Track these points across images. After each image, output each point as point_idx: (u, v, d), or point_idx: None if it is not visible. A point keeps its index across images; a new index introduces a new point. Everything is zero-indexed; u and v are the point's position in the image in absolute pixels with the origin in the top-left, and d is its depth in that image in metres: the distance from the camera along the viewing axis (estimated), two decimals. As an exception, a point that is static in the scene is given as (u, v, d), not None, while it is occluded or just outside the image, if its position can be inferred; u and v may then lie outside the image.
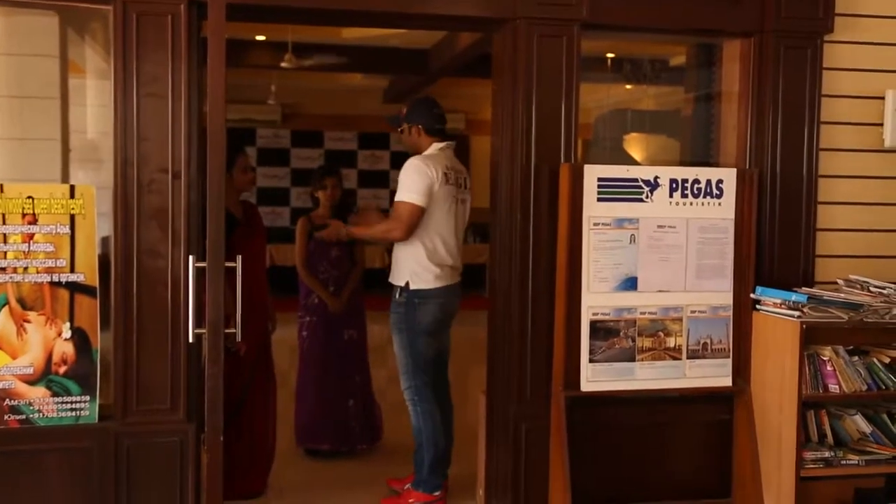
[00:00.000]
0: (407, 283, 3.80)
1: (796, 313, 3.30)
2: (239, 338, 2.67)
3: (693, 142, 4.73)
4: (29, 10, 3.94)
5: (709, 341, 3.54)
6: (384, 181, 11.84)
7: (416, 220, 3.73)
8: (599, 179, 3.40)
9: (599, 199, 3.39)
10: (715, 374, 3.54)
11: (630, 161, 8.64)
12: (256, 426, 3.98)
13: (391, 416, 4.86)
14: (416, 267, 3.79)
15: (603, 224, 3.40)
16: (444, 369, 4.04)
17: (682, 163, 4.64)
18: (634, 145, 9.50)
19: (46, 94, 4.06)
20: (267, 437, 4.06)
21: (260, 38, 7.98)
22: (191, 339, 2.71)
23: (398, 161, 11.65)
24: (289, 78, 9.51)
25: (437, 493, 3.87)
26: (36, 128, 4.04)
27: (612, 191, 3.42)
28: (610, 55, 7.75)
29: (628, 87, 8.73)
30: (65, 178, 4.12)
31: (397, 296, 3.85)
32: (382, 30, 7.67)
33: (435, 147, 3.89)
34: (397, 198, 3.77)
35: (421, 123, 3.91)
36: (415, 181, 3.72)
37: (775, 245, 3.64)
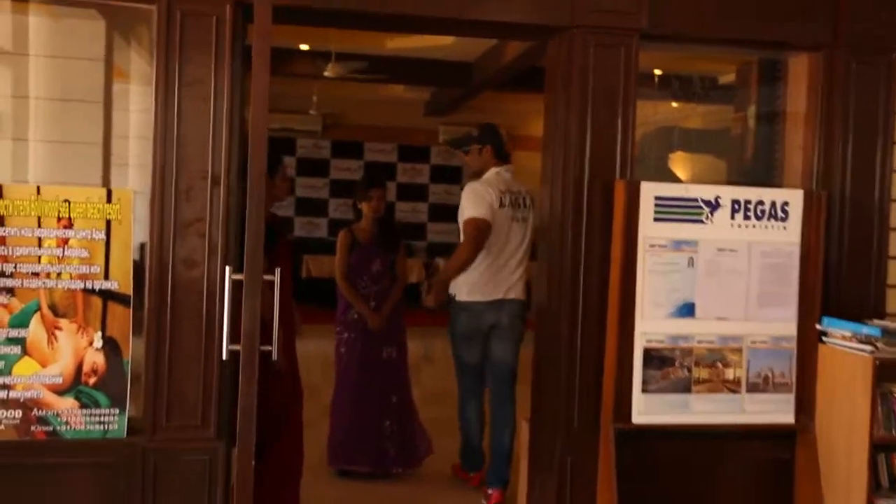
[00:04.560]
0: (454, 295, 4.19)
1: (868, 347, 3.08)
2: (275, 356, 2.51)
3: (745, 161, 4.57)
4: (76, 14, 3.90)
5: (770, 374, 3.33)
6: (423, 195, 11.73)
7: (482, 233, 4.05)
8: (657, 198, 3.22)
9: (656, 219, 3.22)
10: (776, 410, 3.33)
11: (675, 180, 8.44)
12: (287, 443, 3.83)
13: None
14: (461, 281, 4.15)
15: (659, 245, 3.22)
16: (499, 382, 4.28)
17: (731, 183, 4.44)
18: (680, 164, 9.29)
19: (90, 97, 4.01)
20: (297, 455, 3.90)
21: (304, 47, 7.94)
22: (224, 357, 2.57)
23: (438, 175, 11.66)
24: (330, 88, 9.47)
25: (471, 474, 4.39)
26: (78, 131, 3.99)
27: (670, 210, 3.24)
28: (657, 72, 7.58)
29: (675, 104, 8.55)
30: (105, 182, 4.06)
31: (450, 304, 4.25)
32: (426, 41, 7.58)
33: (492, 171, 4.23)
34: (461, 221, 4.12)
35: (492, 144, 4.27)
36: (473, 201, 4.09)
37: (843, 273, 3.42)
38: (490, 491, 4.16)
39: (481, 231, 4.02)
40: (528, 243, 4.19)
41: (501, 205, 4.10)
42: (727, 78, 6.25)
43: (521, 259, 4.19)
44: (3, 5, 3.82)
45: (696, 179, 8.56)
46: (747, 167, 4.50)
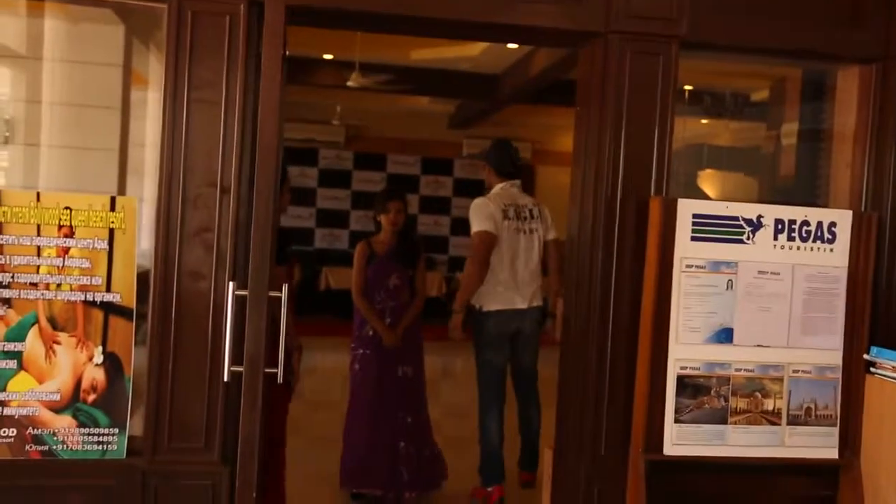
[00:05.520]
0: (479, 307, 4.35)
1: (923, 381, 2.85)
2: (280, 379, 2.33)
3: (779, 180, 4.39)
4: (94, 18, 3.79)
5: (813, 406, 3.10)
6: (446, 208, 11.57)
7: (486, 244, 4.27)
8: (694, 216, 3.01)
9: (693, 239, 3.01)
10: (818, 444, 3.10)
11: (704, 198, 8.21)
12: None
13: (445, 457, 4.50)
14: (482, 293, 4.33)
15: (696, 266, 3.02)
16: (524, 384, 4.56)
17: (767, 202, 4.23)
18: (708, 182, 9.06)
19: (107, 103, 3.90)
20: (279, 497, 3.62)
21: (327, 56, 7.82)
22: (226, 378, 2.38)
23: (461, 188, 11.49)
24: (354, 99, 9.36)
25: (489, 489, 4.31)
26: (95, 138, 3.87)
27: (708, 229, 3.03)
28: (688, 87, 7.39)
29: (704, 121, 8.33)
30: (121, 189, 3.94)
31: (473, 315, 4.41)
32: (452, 52, 7.44)
33: (497, 187, 4.48)
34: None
35: (491, 164, 4.54)
36: (476, 216, 4.34)
37: (893, 299, 3.19)
38: (490, 489, 4.36)
39: (485, 243, 4.25)
40: (539, 254, 4.44)
41: (506, 217, 4.34)
42: (760, 95, 6.06)
43: (534, 270, 4.41)
44: (17, 8, 3.73)
45: (726, 198, 8.33)
46: (782, 186, 4.31)
